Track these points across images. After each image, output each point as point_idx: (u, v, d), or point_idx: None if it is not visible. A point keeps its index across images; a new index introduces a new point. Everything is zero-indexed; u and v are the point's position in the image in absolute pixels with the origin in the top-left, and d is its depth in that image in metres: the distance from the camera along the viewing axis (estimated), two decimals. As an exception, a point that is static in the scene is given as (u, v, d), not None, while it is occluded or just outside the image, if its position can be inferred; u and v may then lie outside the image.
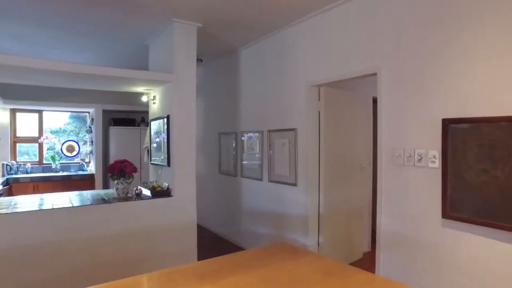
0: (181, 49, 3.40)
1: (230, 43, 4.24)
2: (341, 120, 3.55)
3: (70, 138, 6.31)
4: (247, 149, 4.32)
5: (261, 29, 3.70)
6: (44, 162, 5.99)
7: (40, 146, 6.00)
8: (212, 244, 4.74)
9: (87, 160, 6.28)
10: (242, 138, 4.42)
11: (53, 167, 5.89)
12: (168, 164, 3.47)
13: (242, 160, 4.43)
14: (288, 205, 3.64)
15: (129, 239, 3.09)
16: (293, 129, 3.51)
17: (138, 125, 6.32)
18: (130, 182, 3.32)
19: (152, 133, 3.98)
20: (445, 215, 2.21)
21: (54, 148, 6.09)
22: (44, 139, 5.81)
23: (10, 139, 5.74)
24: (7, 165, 5.46)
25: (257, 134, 4.08)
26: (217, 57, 4.85)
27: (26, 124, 5.99)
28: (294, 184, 3.51)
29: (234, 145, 4.58)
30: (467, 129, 2.11)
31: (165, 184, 3.49)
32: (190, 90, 3.45)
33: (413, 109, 2.42)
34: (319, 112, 3.39)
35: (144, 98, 4.12)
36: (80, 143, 6.30)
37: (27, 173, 5.66)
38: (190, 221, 3.45)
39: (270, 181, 3.88)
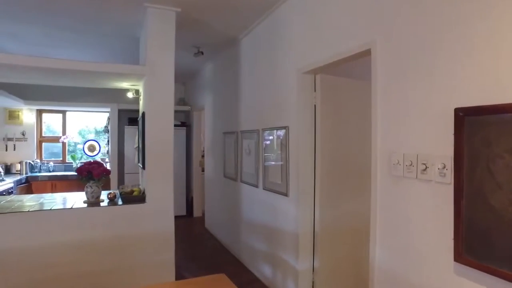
0: (155, 38, 3.00)
1: (228, 32, 3.75)
2: (345, 115, 2.84)
3: (92, 138, 6.39)
4: (245, 151, 3.79)
5: (253, 11, 3.14)
6: (67, 161, 6.11)
7: (64, 146, 6.13)
8: (214, 255, 4.30)
9: (107, 160, 6.28)
10: (241, 138, 3.90)
11: (74, 166, 5.97)
12: (143, 166, 3.10)
13: (241, 163, 3.91)
14: (280, 218, 3.04)
15: (94, 249, 2.77)
16: (285, 127, 2.90)
17: (154, 125, 6.13)
18: (100, 186, 3.02)
19: (138, 132, 3.66)
20: (459, 257, 1.46)
21: (76, 148, 6.19)
22: (64, 138, 5.91)
23: (36, 139, 5.94)
24: (29, 163, 5.64)
25: (254, 133, 3.53)
26: (220, 49, 4.39)
27: (58, 124, 6.18)
28: (286, 194, 2.89)
29: (234, 146, 4.08)
30: (494, 123, 1.35)
31: (143, 189, 3.13)
32: (167, 84, 3.04)
33: (417, 96, 1.69)
34: (314, 105, 2.74)
35: (129, 95, 3.83)
36: (101, 143, 6.34)
37: (49, 171, 5.81)
38: (166, 231, 3.03)
39: (264, 188, 3.31)
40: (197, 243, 4.83)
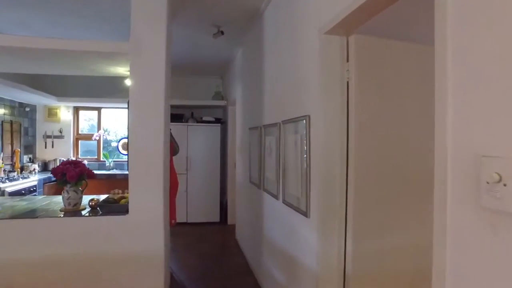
0: (140, 5, 2.36)
1: (248, 1, 2.98)
2: (397, 98, 1.86)
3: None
4: (267, 151, 2.97)
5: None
6: (102, 159, 5.94)
7: (98, 143, 5.98)
8: (234, 275, 3.56)
9: (140, 159, 5.97)
10: (264, 134, 3.09)
11: (107, 164, 5.76)
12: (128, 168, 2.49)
13: (264, 166, 3.09)
14: (299, 246, 2.16)
15: (61, 269, 2.24)
16: (304, 117, 2.02)
17: (186, 121, 5.64)
18: (80, 191, 2.48)
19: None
20: None
21: (110, 146, 6.00)
22: (97, 136, 5.73)
23: (72, 136, 5.87)
24: (63, 161, 5.54)
25: (274, 128, 2.70)
26: (244, 27, 3.63)
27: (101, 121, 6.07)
28: (305, 214, 2.01)
29: (258, 144, 3.29)
30: None
31: (132, 197, 2.52)
32: (156, 66, 2.38)
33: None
34: (347, 83, 1.81)
35: (127, 82, 3.26)
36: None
37: (83, 170, 5.66)
38: (153, 251, 2.37)
39: (284, 201, 2.46)
40: (221, 258, 4.14)
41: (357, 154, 1.78)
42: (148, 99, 2.38)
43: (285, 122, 2.40)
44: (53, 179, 5.05)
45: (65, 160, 5.52)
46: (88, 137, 5.94)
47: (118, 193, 2.72)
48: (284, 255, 2.44)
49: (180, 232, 4.91)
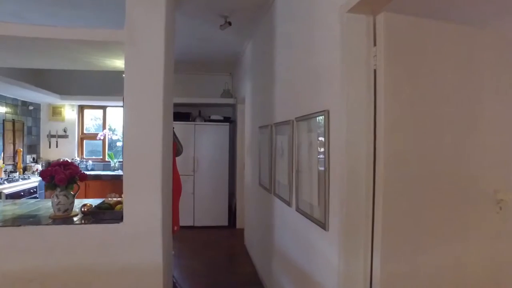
0: (137, -12, 2.11)
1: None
2: (437, 89, 1.55)
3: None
4: (278, 152, 2.69)
5: None
6: (107, 159, 5.75)
7: (103, 143, 5.80)
8: (244, 286, 3.28)
9: (146, 159, 5.76)
10: (275, 134, 2.81)
11: (112, 165, 5.57)
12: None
13: (275, 168, 2.81)
14: (316, 261, 1.87)
15: (46, 284, 2.00)
16: (322, 113, 1.73)
17: (193, 120, 5.40)
18: (72, 195, 2.25)
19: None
20: None
21: (116, 145, 5.81)
22: (101, 135, 5.54)
23: (77, 136, 5.70)
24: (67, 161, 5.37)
25: (287, 126, 2.41)
26: (253, 18, 3.35)
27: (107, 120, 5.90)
28: (323, 226, 1.72)
29: (268, 145, 3.01)
30: None
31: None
32: (154, 57, 2.12)
33: None
34: (374, 71, 1.52)
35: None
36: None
37: (87, 170, 5.49)
38: (151, 265, 2.12)
39: (297, 209, 2.17)
40: (228, 266, 3.87)
41: (387, 155, 1.48)
42: (145, 94, 2.12)
43: (299, 119, 2.11)
44: (56, 180, 4.87)
45: (69, 160, 5.36)
46: (93, 136, 5.77)
47: (115, 197, 2.48)
48: (298, 269, 2.15)
49: (186, 237, 4.67)
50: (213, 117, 5.43)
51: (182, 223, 5.08)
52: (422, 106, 1.53)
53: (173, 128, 3.01)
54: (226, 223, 5.32)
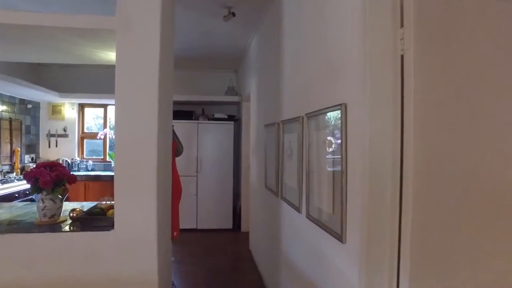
0: (129, -32, 1.90)
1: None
2: (479, 80, 1.31)
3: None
4: (286, 152, 2.46)
5: None
6: (108, 159, 5.58)
7: (104, 143, 5.62)
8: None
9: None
10: (282, 132, 2.58)
11: (112, 165, 5.38)
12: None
13: (282, 170, 2.59)
14: (330, 277, 1.64)
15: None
16: (339, 107, 1.50)
17: (197, 119, 5.19)
18: (59, 200, 2.05)
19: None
20: None
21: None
22: (102, 135, 5.36)
23: (77, 135, 5.53)
24: (66, 161, 5.21)
25: (296, 123, 2.18)
26: (259, 8, 3.12)
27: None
28: (339, 237, 1.49)
29: (275, 144, 2.78)
30: None
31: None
32: (149, 46, 1.91)
33: None
34: (401, 57, 1.29)
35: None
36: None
37: (87, 170, 5.32)
38: (145, 275, 1.90)
39: (308, 216, 1.94)
40: (232, 273, 3.65)
41: (416, 157, 1.25)
42: (138, 88, 1.91)
43: (310, 115, 1.88)
44: (54, 180, 4.70)
45: (68, 160, 5.19)
46: (94, 135, 5.59)
47: (108, 201, 2.27)
48: (310, 284, 1.92)
49: (188, 241, 4.47)
50: (217, 115, 5.22)
51: (184, 226, 4.89)
52: (460, 100, 1.29)
53: (173, 126, 2.80)
54: (230, 226, 5.11)
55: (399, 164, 1.29)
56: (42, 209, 1.98)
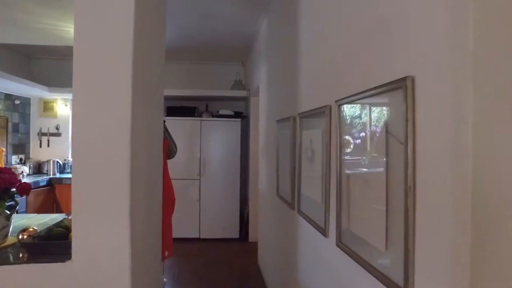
0: None
1: None
2: None
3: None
4: (305, 153, 1.91)
5: None
6: (104, 161, 5.10)
7: (100, 142, 5.15)
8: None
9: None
10: (300, 128, 2.03)
11: (108, 167, 4.91)
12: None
13: (300, 177, 2.04)
14: None
15: None
16: (398, 84, 0.94)
17: (200, 116, 4.68)
18: (8, 215, 1.54)
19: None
20: None
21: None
22: (96, 133, 4.88)
23: (71, 134, 5.07)
24: (58, 162, 4.76)
25: (319, 116, 1.63)
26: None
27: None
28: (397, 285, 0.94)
29: (290, 143, 2.24)
30: None
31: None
32: (120, 8, 1.39)
33: None
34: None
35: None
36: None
37: (81, 173, 4.85)
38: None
39: (339, 244, 1.39)
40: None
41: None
42: (104, 70, 1.39)
43: (342, 102, 1.33)
44: (42, 183, 4.25)
45: (60, 162, 4.74)
46: (89, 135, 5.12)
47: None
48: None
49: (188, 253, 3.96)
50: (222, 112, 4.70)
51: (185, 235, 4.38)
52: None
53: (164, 122, 2.29)
54: (237, 235, 4.58)
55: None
56: (-17, 230, 1.48)
